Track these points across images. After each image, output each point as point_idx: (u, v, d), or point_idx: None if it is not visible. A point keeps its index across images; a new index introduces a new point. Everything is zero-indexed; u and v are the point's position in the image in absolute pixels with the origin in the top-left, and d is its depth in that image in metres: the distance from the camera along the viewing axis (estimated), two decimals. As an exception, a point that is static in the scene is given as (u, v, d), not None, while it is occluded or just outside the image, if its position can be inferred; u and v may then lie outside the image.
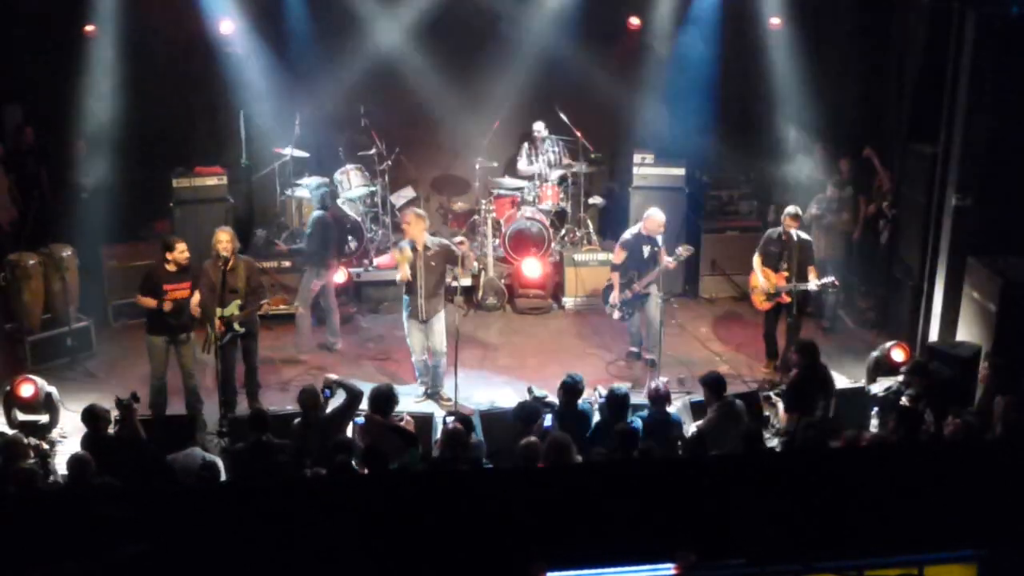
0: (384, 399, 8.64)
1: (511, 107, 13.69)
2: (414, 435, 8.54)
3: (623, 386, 9.40)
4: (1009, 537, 4.55)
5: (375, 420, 8.59)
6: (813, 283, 10.72)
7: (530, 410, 8.67)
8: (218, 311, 9.73)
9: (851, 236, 12.39)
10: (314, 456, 8.22)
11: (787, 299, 10.74)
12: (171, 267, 9.77)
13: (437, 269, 10.24)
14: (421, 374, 10.70)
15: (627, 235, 11.04)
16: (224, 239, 9.79)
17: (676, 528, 4.42)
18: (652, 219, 10.86)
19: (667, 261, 10.81)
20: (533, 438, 7.85)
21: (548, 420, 8.67)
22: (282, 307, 10.87)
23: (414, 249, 10.13)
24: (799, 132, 13.06)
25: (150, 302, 9.77)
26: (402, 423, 8.75)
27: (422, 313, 10.29)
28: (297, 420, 8.70)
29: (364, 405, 8.77)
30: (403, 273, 10.15)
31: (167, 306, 9.69)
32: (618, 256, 11.02)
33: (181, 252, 9.76)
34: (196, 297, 9.80)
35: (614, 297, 10.97)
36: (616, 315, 11.12)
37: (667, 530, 4.42)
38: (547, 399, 9.14)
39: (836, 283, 10.99)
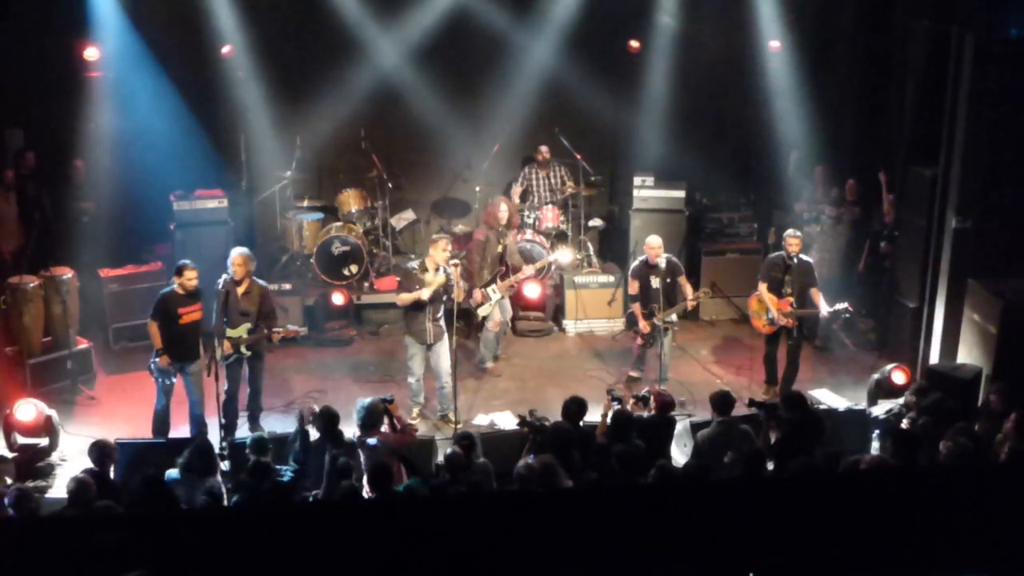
0: (365, 416, 8.58)
1: (511, 130, 13.70)
2: (412, 461, 8.48)
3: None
4: (1012, 562, 4.54)
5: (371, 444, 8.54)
6: (824, 309, 10.73)
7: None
8: (228, 331, 9.72)
9: (844, 253, 12.41)
10: (313, 479, 8.21)
11: (792, 323, 10.75)
12: (179, 291, 9.70)
13: (441, 295, 10.32)
14: (415, 394, 10.70)
15: (635, 265, 11.23)
16: (238, 261, 9.76)
17: (678, 552, 4.41)
18: (648, 245, 11.07)
19: (690, 300, 10.99)
20: (530, 460, 7.80)
21: None
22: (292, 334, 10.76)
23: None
24: (799, 154, 13.09)
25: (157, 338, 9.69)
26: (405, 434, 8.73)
27: (429, 336, 10.35)
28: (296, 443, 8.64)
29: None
30: (427, 294, 10.18)
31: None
32: (632, 287, 11.16)
33: (188, 279, 9.64)
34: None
35: (643, 326, 11.01)
36: (639, 342, 11.26)
37: (668, 554, 4.41)
38: (547, 422, 9.09)
39: (851, 309, 10.92)
